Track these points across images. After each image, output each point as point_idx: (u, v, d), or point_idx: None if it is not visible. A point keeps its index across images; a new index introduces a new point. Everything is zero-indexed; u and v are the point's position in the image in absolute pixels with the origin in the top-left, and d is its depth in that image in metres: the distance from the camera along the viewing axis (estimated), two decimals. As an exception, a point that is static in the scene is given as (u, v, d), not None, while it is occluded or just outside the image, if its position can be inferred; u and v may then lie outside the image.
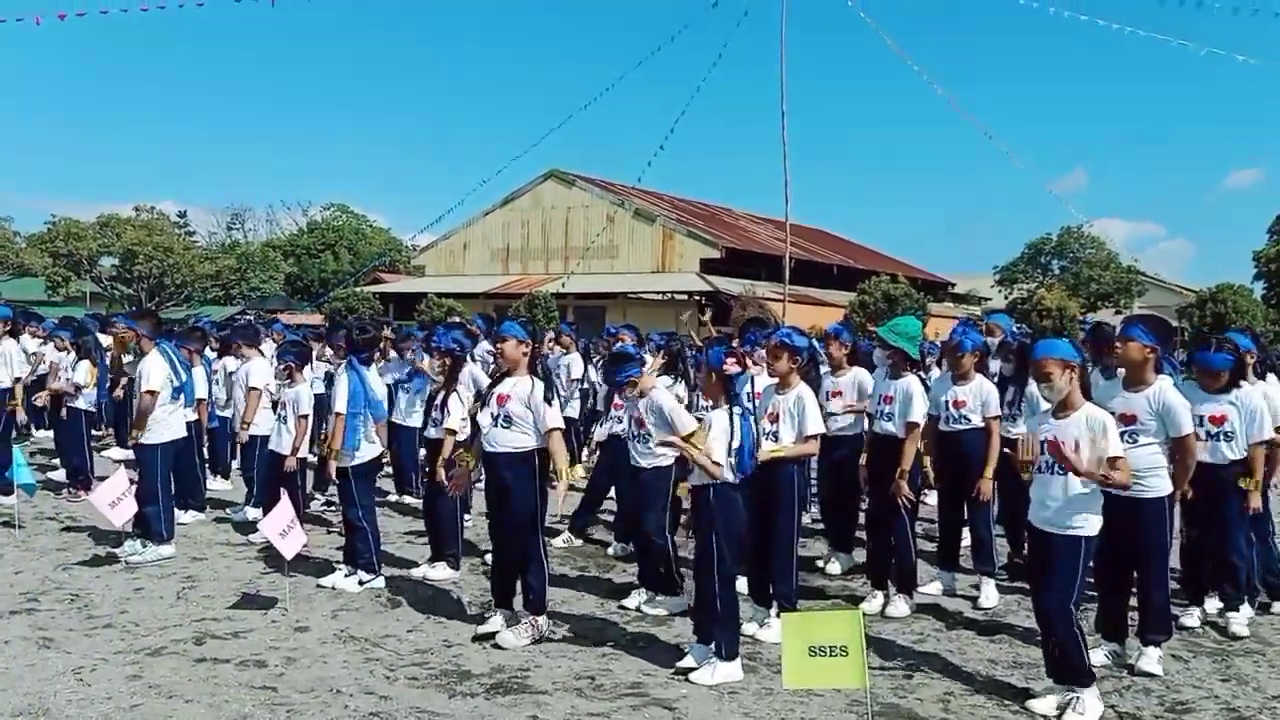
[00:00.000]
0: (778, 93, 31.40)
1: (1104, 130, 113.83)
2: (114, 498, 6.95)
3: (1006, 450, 5.81)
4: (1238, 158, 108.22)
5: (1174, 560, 5.81)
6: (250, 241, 67.26)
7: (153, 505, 7.30)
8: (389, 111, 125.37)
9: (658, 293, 41.27)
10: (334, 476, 6.90)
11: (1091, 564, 4.99)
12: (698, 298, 39.46)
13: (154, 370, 7.38)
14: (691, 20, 47.65)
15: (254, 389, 8.68)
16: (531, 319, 35.40)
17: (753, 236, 46.38)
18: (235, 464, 10.36)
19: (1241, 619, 6.17)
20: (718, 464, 5.17)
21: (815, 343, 7.10)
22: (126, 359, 7.75)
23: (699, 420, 5.56)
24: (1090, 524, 4.77)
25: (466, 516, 8.01)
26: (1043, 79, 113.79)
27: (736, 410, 5.27)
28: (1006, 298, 48.23)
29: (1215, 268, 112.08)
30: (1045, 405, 7.13)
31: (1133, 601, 5.59)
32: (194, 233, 64.52)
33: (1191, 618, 6.31)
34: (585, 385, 13.53)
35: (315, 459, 8.61)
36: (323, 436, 7.21)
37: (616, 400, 8.12)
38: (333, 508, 8.81)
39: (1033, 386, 7.24)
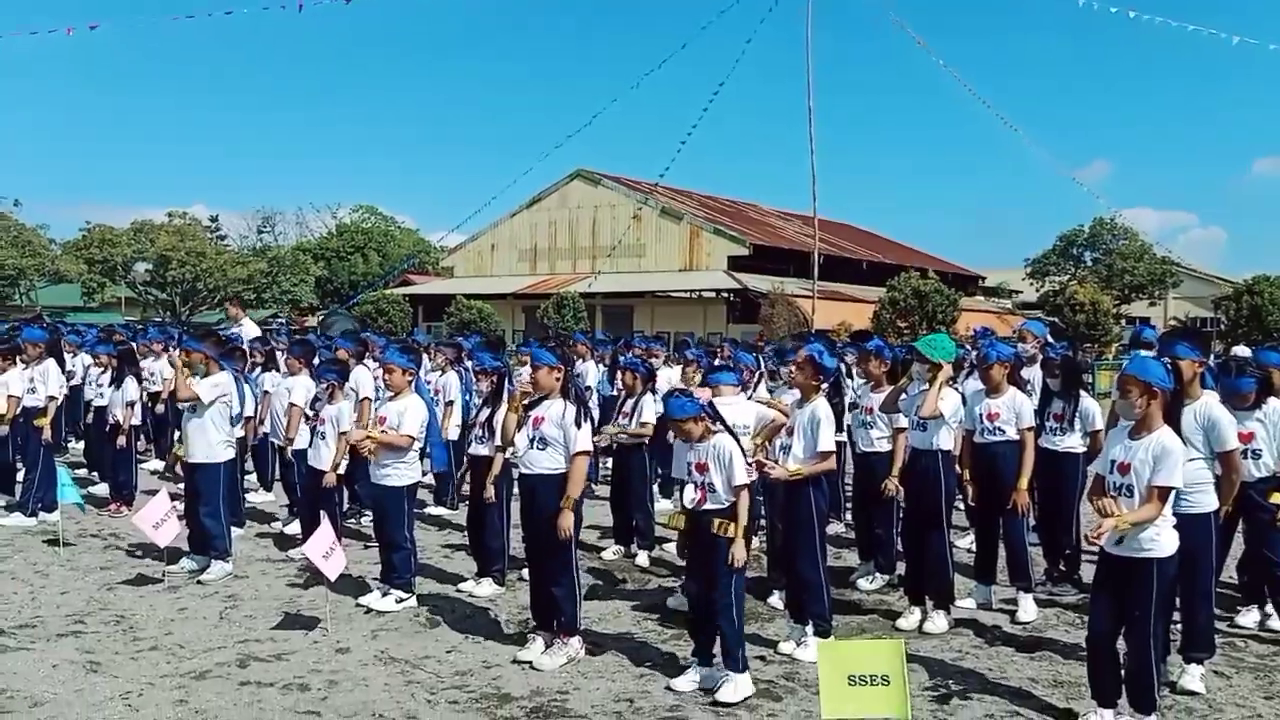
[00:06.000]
0: (804, 88, 31.48)
1: (1131, 119, 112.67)
2: (157, 519, 7.06)
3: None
4: (1264, 145, 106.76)
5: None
6: (280, 245, 67.89)
7: (216, 523, 7.49)
8: (416, 113, 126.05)
9: (686, 291, 41.31)
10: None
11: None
12: (726, 295, 39.48)
13: (209, 384, 7.57)
14: (715, 17, 47.34)
15: (294, 405, 8.77)
16: (560, 319, 35.52)
17: (780, 233, 46.25)
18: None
19: None
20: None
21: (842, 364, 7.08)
22: (189, 378, 7.77)
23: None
24: (1163, 544, 4.61)
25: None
26: (1067, 69, 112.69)
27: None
28: (1038, 291, 47.77)
29: (1249, 255, 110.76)
30: (1100, 424, 7.15)
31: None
32: (225, 237, 65.26)
33: (1247, 616, 6.48)
34: (614, 393, 13.52)
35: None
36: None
37: (624, 410, 8.32)
38: (366, 517, 8.91)
39: (1086, 402, 7.26)
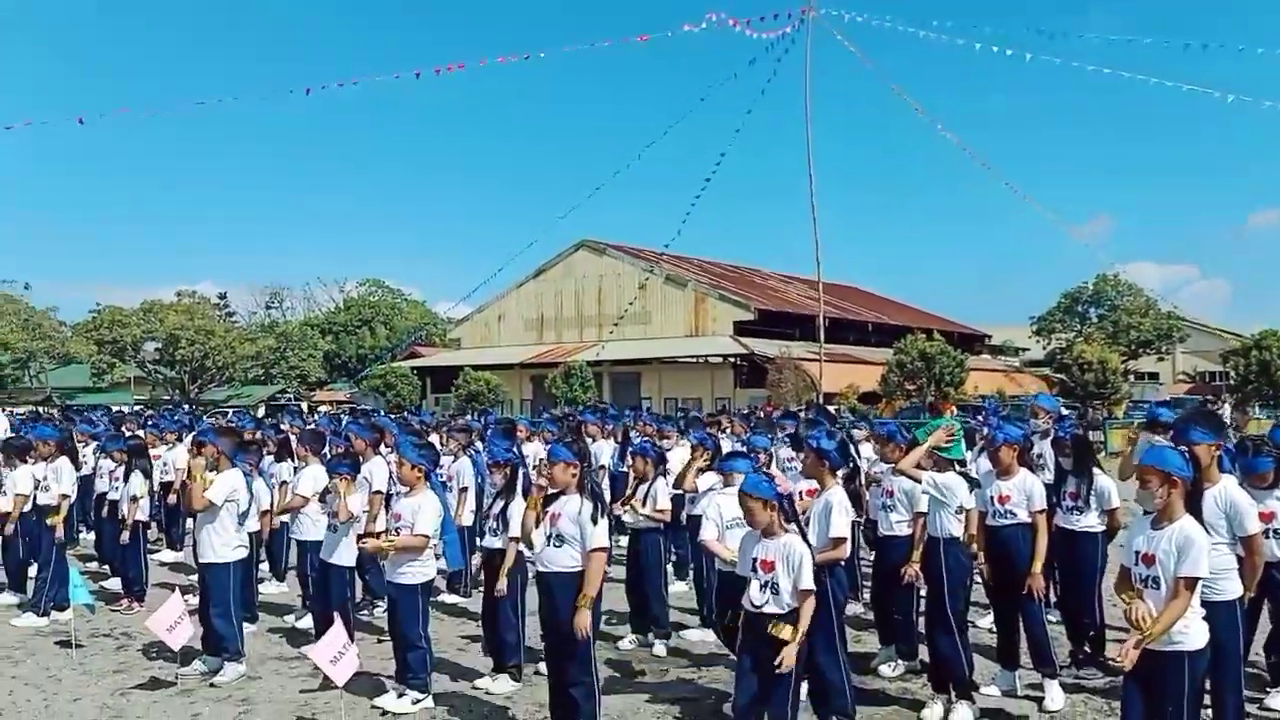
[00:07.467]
0: (804, 152, 31.88)
1: (1130, 175, 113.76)
2: (171, 621, 7.01)
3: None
4: (1260, 197, 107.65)
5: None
6: (289, 320, 68.31)
7: (227, 624, 7.39)
8: (421, 187, 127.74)
9: (692, 357, 41.39)
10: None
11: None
12: (733, 360, 39.56)
13: (220, 486, 7.43)
14: (715, 87, 48.31)
15: (299, 495, 8.70)
16: (568, 388, 35.56)
17: (785, 296, 46.47)
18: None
19: None
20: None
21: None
22: (205, 489, 7.67)
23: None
24: (1192, 636, 4.49)
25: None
26: (1065, 126, 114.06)
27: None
28: (1044, 349, 47.80)
29: (1254, 307, 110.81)
30: (1116, 502, 7.10)
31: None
32: (234, 313, 65.86)
33: (1277, 698, 6.37)
34: (625, 469, 13.50)
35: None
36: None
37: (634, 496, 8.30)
38: (379, 608, 8.84)
39: (1101, 480, 7.19)
